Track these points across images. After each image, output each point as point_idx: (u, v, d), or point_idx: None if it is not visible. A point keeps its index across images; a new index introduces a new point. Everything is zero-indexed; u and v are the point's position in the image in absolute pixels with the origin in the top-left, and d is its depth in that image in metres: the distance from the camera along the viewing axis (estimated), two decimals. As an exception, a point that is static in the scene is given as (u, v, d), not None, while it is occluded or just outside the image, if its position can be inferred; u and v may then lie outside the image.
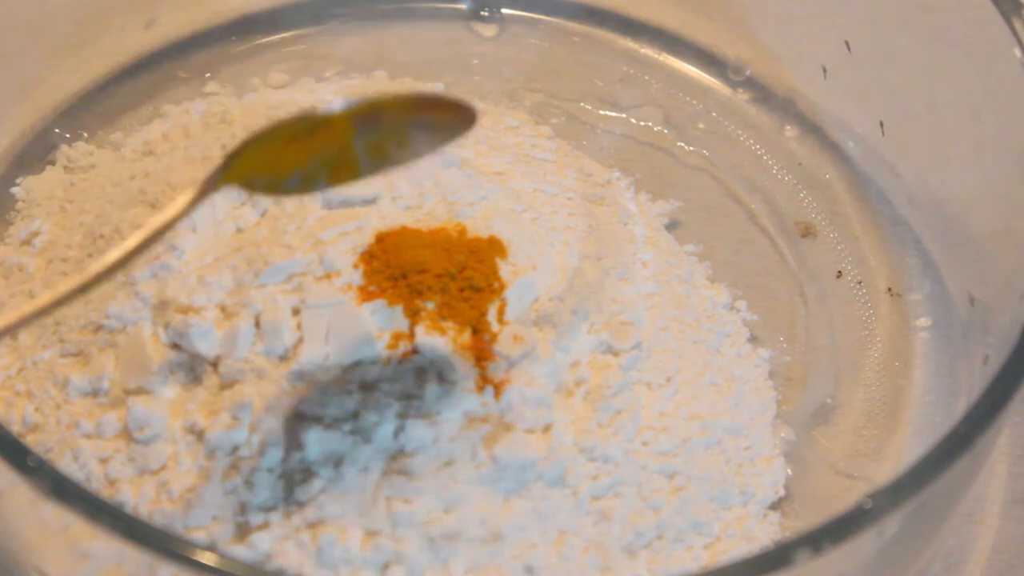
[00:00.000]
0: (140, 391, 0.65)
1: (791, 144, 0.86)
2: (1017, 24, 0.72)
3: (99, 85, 0.85)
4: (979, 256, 0.76)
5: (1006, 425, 0.72)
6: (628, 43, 0.90)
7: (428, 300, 0.65)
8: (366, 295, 0.65)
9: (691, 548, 0.66)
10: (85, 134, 0.82)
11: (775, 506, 0.70)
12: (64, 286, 0.53)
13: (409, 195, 0.69)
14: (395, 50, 0.89)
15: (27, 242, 0.74)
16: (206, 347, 0.64)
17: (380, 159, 0.57)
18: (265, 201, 0.68)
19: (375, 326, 0.64)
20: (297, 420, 0.63)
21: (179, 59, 0.87)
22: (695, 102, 0.88)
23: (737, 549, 0.67)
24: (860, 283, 0.80)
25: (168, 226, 0.55)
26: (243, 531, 0.61)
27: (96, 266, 0.53)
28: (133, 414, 0.64)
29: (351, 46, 0.89)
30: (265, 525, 0.61)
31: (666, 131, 0.86)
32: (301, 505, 0.61)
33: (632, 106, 0.87)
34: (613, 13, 0.91)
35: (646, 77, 0.89)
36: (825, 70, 0.85)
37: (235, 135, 0.75)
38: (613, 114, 0.86)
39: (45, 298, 0.53)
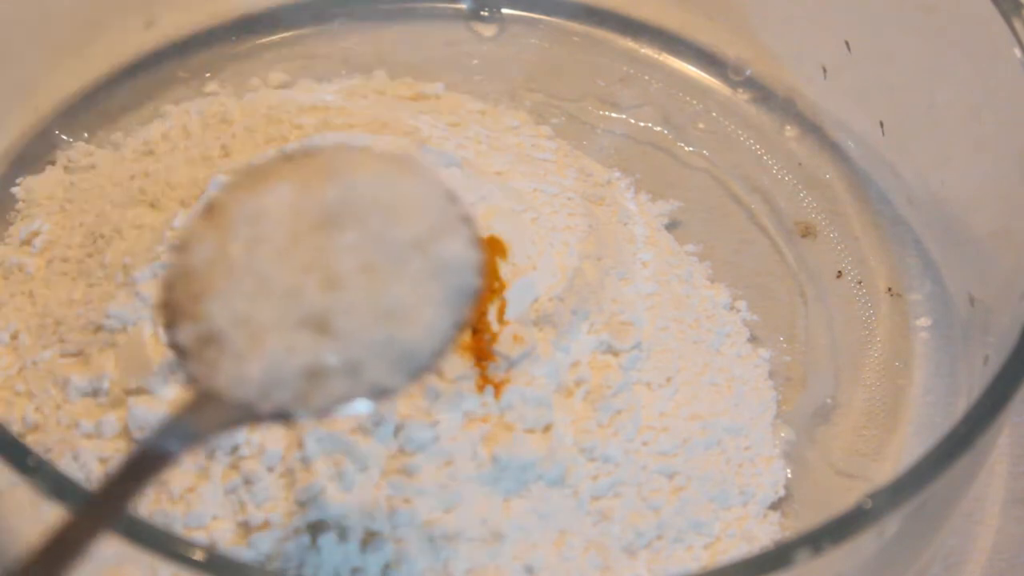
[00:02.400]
0: (140, 391, 0.65)
1: (791, 144, 0.86)
2: (1017, 24, 0.72)
3: (99, 85, 0.85)
4: (979, 256, 0.76)
5: (1006, 425, 0.72)
6: (628, 43, 0.90)
7: None
8: None
9: (691, 548, 0.66)
10: (85, 134, 0.82)
11: (775, 506, 0.69)
12: None
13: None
14: (395, 50, 0.89)
15: (27, 242, 0.74)
16: (206, 347, 0.64)
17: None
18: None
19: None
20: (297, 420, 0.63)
21: (179, 59, 0.87)
22: (695, 102, 0.88)
23: (737, 549, 0.67)
24: (860, 283, 0.80)
25: None
26: (243, 531, 0.61)
27: None
28: (133, 414, 0.64)
29: (351, 46, 0.89)
30: (265, 525, 0.61)
31: (666, 131, 0.86)
32: (301, 505, 0.61)
33: (632, 106, 0.87)
34: (613, 13, 0.91)
35: (646, 77, 0.89)
36: (825, 70, 0.85)
37: (235, 135, 0.75)
38: (613, 114, 0.86)
39: None
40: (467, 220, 0.52)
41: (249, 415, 0.50)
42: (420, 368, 0.51)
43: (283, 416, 0.50)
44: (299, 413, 0.50)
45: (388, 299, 0.50)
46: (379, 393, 0.50)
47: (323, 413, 0.50)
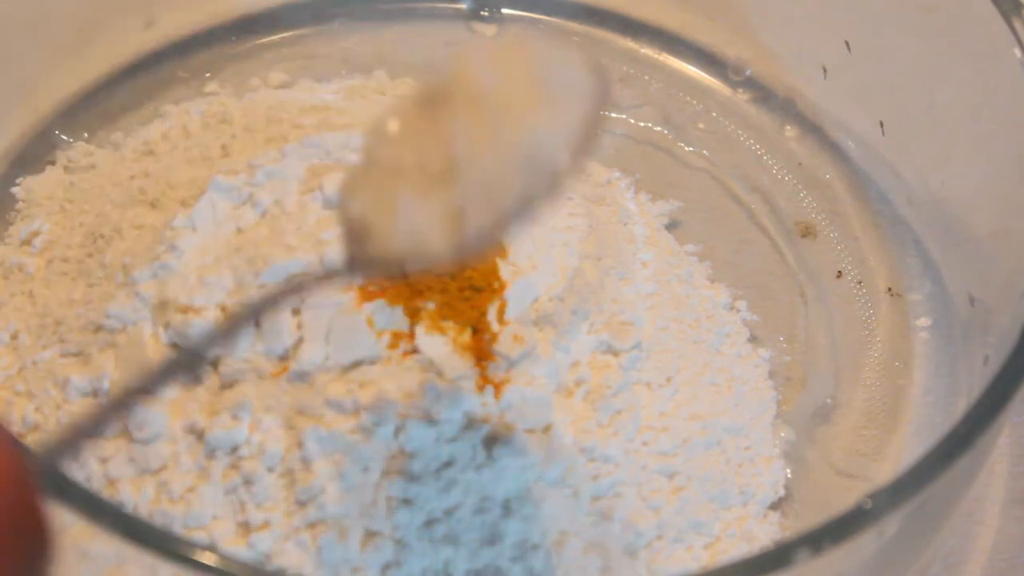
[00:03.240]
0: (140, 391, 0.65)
1: (791, 144, 0.86)
2: (1017, 24, 0.72)
3: (99, 85, 0.85)
4: (979, 256, 0.76)
5: (1006, 425, 0.72)
6: (628, 43, 0.90)
7: (428, 300, 0.65)
8: (366, 295, 0.65)
9: (691, 548, 0.66)
10: (85, 134, 0.82)
11: (775, 506, 0.70)
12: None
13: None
14: (395, 50, 0.89)
15: (27, 242, 0.74)
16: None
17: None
18: (265, 200, 0.68)
19: (375, 326, 0.64)
20: (297, 420, 0.63)
21: (179, 59, 0.87)
22: (695, 102, 0.88)
23: (737, 549, 0.67)
24: (860, 283, 0.80)
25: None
26: (243, 531, 0.61)
27: None
28: (133, 414, 0.64)
29: (351, 46, 0.89)
30: (265, 525, 0.61)
31: (666, 131, 0.86)
32: (301, 505, 0.61)
33: (632, 106, 0.87)
34: (613, 13, 0.91)
35: (646, 77, 0.89)
36: (825, 70, 0.85)
37: (235, 135, 0.75)
38: (613, 114, 0.86)
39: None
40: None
41: (400, 268, 0.54)
42: (558, 178, 0.53)
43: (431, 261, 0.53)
44: (444, 254, 0.53)
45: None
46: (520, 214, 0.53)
47: (463, 251, 0.53)
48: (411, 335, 0.64)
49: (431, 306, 0.65)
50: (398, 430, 0.62)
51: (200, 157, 0.74)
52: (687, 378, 0.70)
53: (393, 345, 0.64)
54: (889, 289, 0.79)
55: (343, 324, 0.64)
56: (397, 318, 0.64)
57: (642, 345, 0.69)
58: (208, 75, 0.86)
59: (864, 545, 0.58)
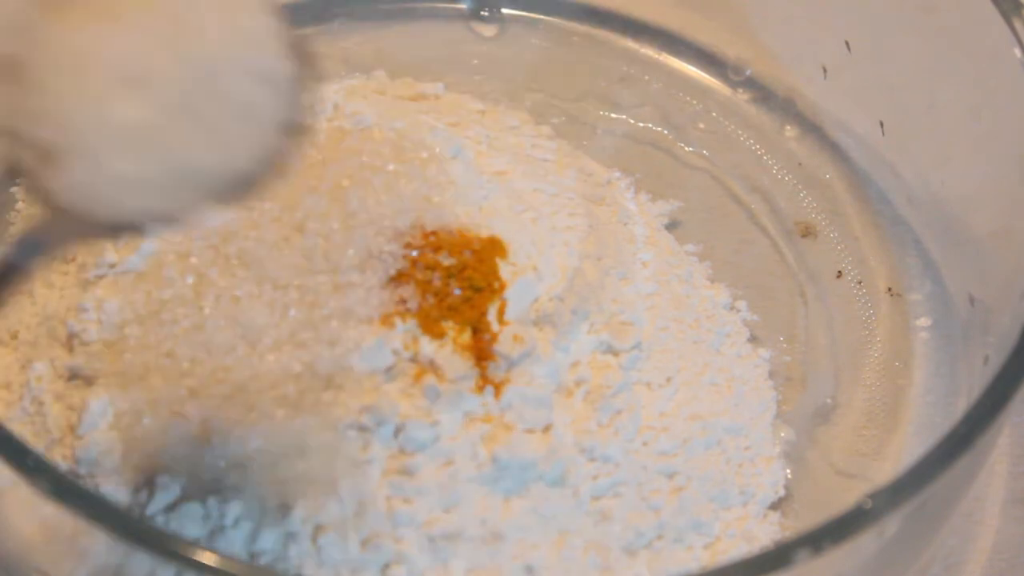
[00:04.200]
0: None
1: (791, 144, 0.86)
2: (1017, 24, 0.72)
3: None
4: (979, 256, 0.76)
5: (1006, 425, 0.72)
6: (628, 43, 0.90)
7: (447, 319, 0.65)
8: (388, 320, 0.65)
9: (691, 548, 0.66)
10: (85, 134, 0.82)
11: (775, 506, 0.70)
12: None
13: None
14: (395, 50, 0.89)
15: (27, 242, 0.74)
16: (206, 347, 0.64)
17: None
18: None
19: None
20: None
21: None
22: (695, 102, 0.88)
23: (737, 549, 0.67)
24: (860, 283, 0.80)
25: None
26: (243, 531, 0.61)
27: None
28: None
29: (351, 46, 0.89)
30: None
31: (666, 131, 0.86)
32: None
33: (632, 106, 0.87)
34: (613, 13, 0.91)
35: (646, 77, 0.89)
36: (825, 70, 0.85)
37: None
38: (613, 114, 0.86)
39: None
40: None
41: (98, 227, 0.50)
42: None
43: (133, 228, 0.50)
44: (147, 224, 0.50)
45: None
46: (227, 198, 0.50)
47: (171, 221, 0.50)
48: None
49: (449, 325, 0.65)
50: (398, 430, 0.62)
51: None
52: (687, 378, 0.70)
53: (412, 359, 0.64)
54: (889, 289, 0.79)
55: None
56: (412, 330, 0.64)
57: (642, 345, 0.69)
58: (208, 75, 0.86)
59: (864, 545, 0.58)
